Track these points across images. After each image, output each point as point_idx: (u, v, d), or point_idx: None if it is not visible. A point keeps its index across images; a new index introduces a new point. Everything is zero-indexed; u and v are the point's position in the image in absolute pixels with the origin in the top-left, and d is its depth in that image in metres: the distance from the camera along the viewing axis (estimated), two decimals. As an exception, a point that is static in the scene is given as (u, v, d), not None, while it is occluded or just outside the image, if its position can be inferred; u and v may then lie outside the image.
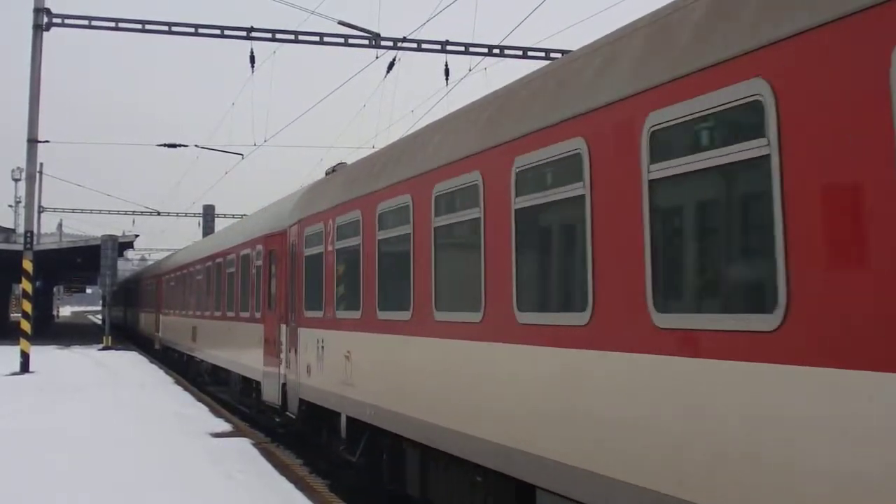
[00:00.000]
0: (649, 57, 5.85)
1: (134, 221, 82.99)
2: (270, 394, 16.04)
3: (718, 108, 5.02)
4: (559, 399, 6.54)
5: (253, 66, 26.24)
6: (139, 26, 25.74)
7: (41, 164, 52.25)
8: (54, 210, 67.62)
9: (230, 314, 20.81)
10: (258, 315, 17.32)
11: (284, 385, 14.97)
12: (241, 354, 19.05)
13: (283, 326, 15.11)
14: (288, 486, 10.77)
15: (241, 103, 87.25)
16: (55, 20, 25.73)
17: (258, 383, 17.25)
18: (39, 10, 25.59)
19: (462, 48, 26.30)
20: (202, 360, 25.67)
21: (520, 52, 26.49)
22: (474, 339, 7.86)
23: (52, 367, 27.15)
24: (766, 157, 4.66)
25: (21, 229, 39.72)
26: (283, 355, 15.07)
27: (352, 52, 26.08)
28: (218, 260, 22.76)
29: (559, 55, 23.48)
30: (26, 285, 26.46)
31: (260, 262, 17.28)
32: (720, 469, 4.89)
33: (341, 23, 25.48)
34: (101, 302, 54.35)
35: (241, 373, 19.37)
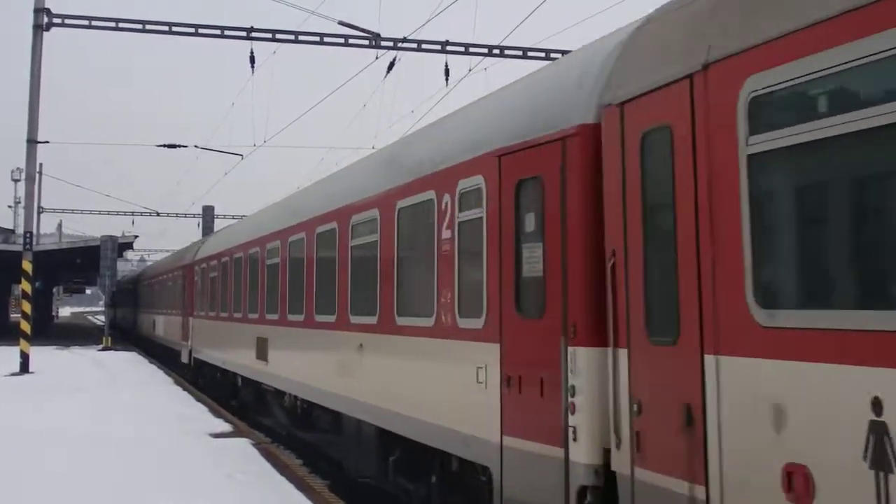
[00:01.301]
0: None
1: (133, 222, 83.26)
2: None
3: None
4: None
5: (253, 67, 26.24)
6: (139, 26, 25.75)
7: (41, 165, 52.22)
8: (54, 210, 67.60)
9: (359, 320, 11.62)
10: (476, 323, 8.29)
11: (589, 490, 6.66)
12: (404, 398, 10.03)
13: (584, 350, 6.87)
14: (288, 487, 10.78)
15: (240, 103, 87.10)
16: (55, 20, 25.71)
17: (475, 468, 8.25)
18: (39, 11, 25.57)
19: (462, 48, 26.27)
20: (282, 392, 16.30)
21: (520, 53, 26.47)
22: None
23: (51, 367, 27.13)
24: None
25: (21, 230, 39.70)
26: (578, 417, 6.84)
27: (352, 52, 26.11)
28: (324, 227, 13.44)
29: (559, 55, 23.46)
30: (26, 286, 26.44)
31: (475, 213, 8.47)
32: None
33: (341, 23, 25.49)
34: (103, 302, 54.09)
35: (404, 433, 9.94)
